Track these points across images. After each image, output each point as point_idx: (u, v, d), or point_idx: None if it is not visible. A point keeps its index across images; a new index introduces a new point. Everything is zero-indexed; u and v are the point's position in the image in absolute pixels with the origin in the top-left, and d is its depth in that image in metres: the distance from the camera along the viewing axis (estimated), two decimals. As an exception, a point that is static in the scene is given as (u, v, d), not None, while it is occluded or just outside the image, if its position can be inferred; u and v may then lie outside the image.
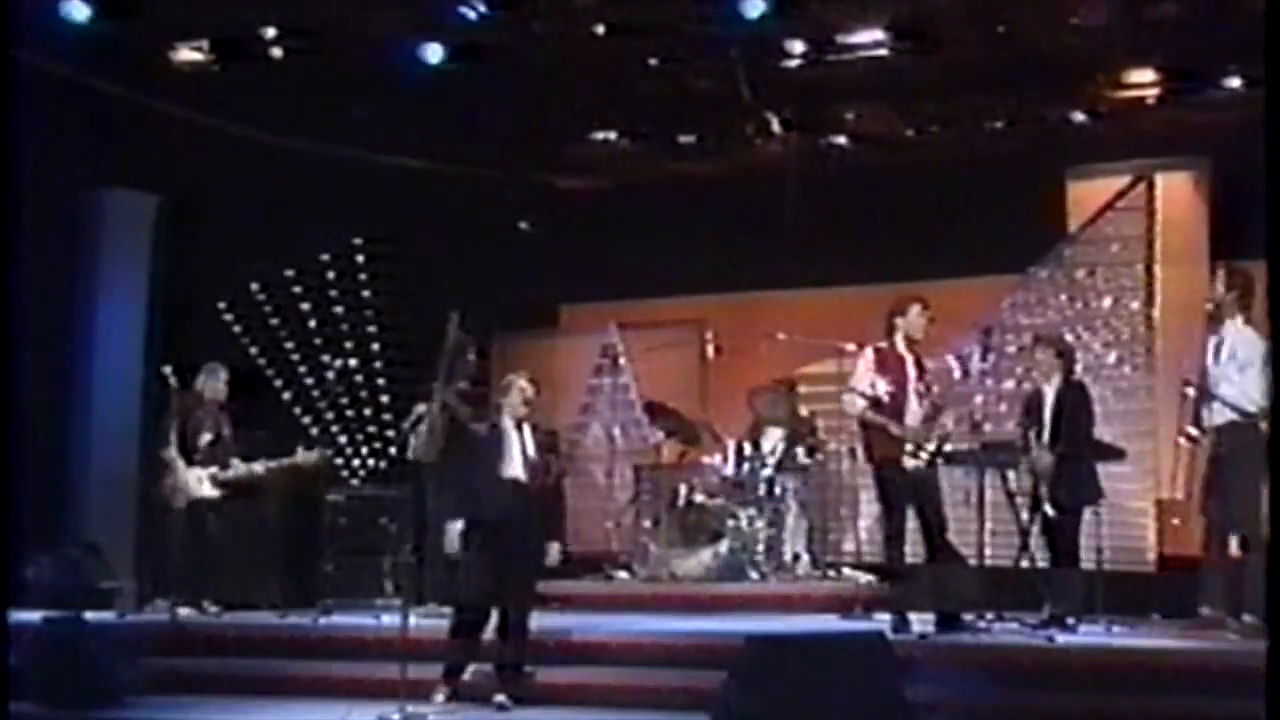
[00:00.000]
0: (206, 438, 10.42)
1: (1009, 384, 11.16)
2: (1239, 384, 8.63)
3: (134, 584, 10.88)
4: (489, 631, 8.59)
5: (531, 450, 8.66)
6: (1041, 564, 9.30)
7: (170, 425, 10.57)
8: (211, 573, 10.33)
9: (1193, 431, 8.74)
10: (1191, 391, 8.80)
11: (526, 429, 8.70)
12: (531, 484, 8.60)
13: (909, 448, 8.90)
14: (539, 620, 9.66)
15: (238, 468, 10.31)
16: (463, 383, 10.06)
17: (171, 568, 10.36)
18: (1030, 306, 12.14)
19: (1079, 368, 10.03)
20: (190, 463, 10.34)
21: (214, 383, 10.56)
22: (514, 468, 8.62)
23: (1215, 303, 8.90)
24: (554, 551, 8.67)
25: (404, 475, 10.04)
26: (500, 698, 8.41)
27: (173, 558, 10.37)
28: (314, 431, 12.47)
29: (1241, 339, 8.73)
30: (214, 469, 10.31)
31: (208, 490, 10.32)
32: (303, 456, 10.34)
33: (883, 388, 9.12)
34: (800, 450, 11.54)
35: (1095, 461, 9.35)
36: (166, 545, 10.49)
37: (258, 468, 10.33)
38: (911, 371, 9.23)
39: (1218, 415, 8.69)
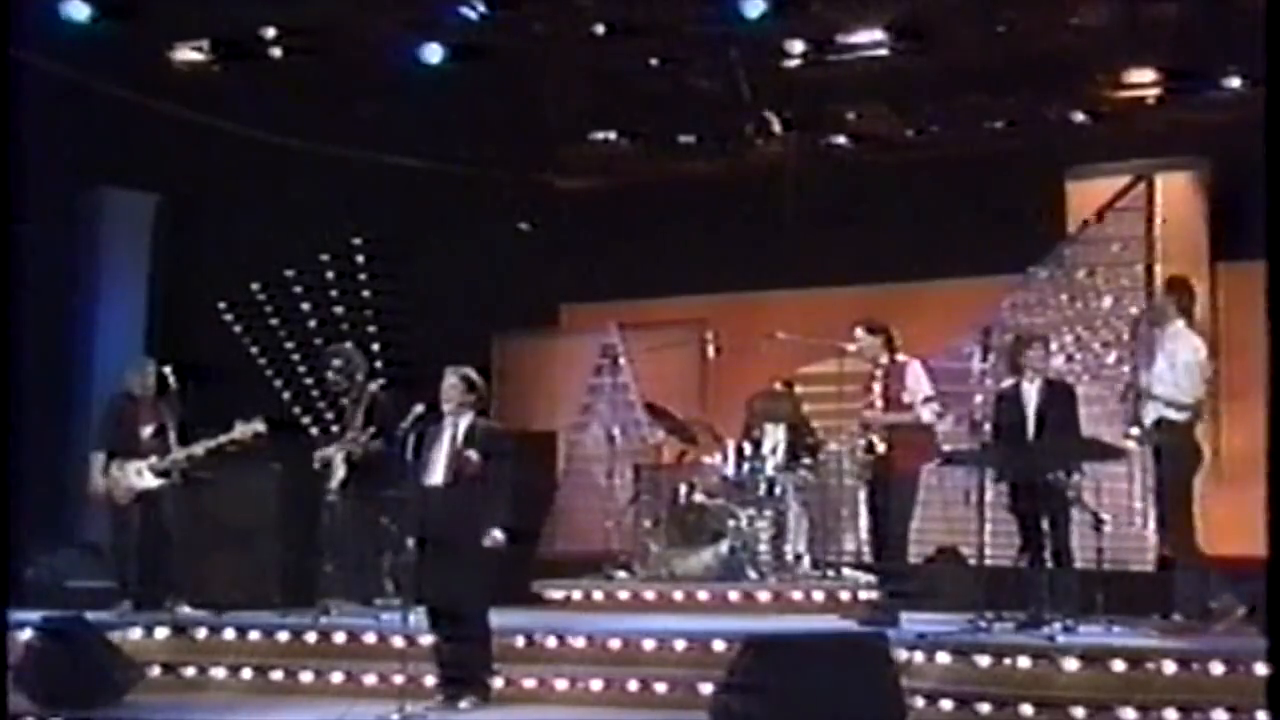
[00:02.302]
0: (148, 430, 10.35)
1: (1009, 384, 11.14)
2: (1173, 382, 8.73)
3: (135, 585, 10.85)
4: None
5: (459, 444, 8.57)
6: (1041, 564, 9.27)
7: (102, 425, 10.56)
8: (169, 569, 10.24)
9: (1133, 431, 8.76)
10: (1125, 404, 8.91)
11: (461, 423, 8.65)
12: (448, 482, 8.51)
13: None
14: (540, 620, 9.70)
15: (177, 453, 10.24)
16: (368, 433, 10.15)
17: (130, 567, 10.33)
18: (1030, 306, 12.12)
19: (1077, 367, 10.09)
20: (132, 457, 10.30)
21: (140, 378, 10.48)
22: (436, 468, 8.57)
23: (1155, 307, 9.08)
24: (495, 536, 8.44)
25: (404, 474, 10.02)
26: (464, 704, 8.39)
27: (129, 556, 10.34)
28: (315, 432, 12.44)
29: (1182, 339, 8.87)
30: (153, 459, 10.26)
31: (149, 481, 10.26)
32: (240, 430, 10.24)
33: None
34: (800, 450, 11.54)
35: (1095, 461, 9.36)
36: (121, 543, 10.45)
37: (197, 449, 10.25)
38: (877, 387, 9.58)
39: (1151, 414, 8.77)
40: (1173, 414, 8.76)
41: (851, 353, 10.04)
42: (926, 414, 9.54)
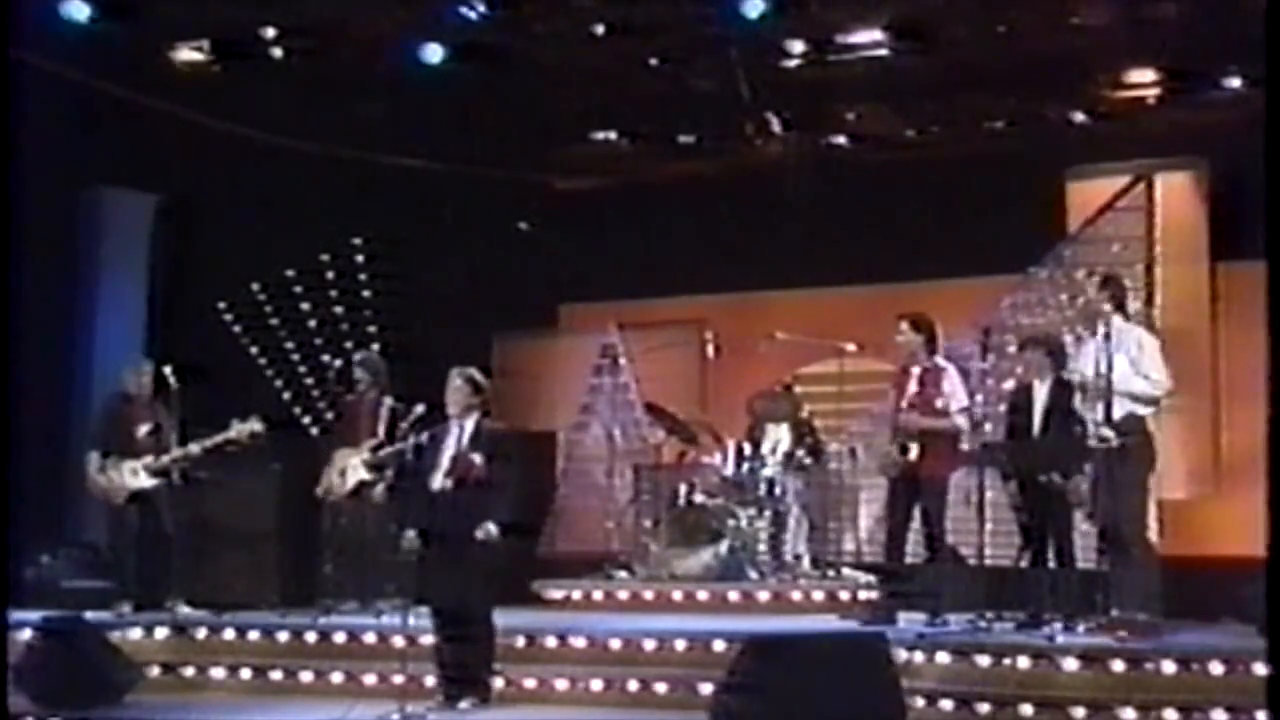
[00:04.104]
0: (143, 430, 10.38)
1: (1009, 384, 11.16)
2: (1133, 375, 8.73)
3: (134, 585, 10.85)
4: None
5: (464, 446, 8.59)
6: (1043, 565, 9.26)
7: (98, 425, 10.62)
8: (168, 569, 10.25)
9: (1106, 432, 8.73)
10: (1080, 395, 8.89)
11: (467, 426, 8.66)
12: (454, 484, 8.52)
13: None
14: (540, 620, 9.70)
15: (174, 453, 10.26)
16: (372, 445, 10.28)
17: (128, 567, 10.35)
18: (1030, 306, 12.11)
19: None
20: (126, 457, 10.33)
21: (135, 377, 10.52)
22: (441, 470, 8.57)
23: (1093, 306, 9.07)
24: (488, 529, 8.45)
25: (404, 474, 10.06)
26: (464, 704, 8.40)
27: (127, 556, 10.36)
28: (316, 432, 12.46)
29: (1125, 333, 8.89)
30: (148, 459, 10.29)
31: (144, 481, 10.28)
32: (237, 429, 10.28)
33: (892, 405, 9.76)
34: (800, 450, 11.54)
35: (1096, 462, 9.35)
36: (119, 543, 10.48)
37: (193, 449, 10.28)
38: (911, 387, 9.47)
39: (1116, 411, 8.74)
40: (1139, 409, 8.78)
41: (853, 350, 10.05)
42: (961, 422, 9.52)
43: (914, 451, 9.43)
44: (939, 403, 9.49)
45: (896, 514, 9.68)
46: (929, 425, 9.46)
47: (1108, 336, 8.79)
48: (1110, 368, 8.69)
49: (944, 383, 9.54)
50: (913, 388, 9.58)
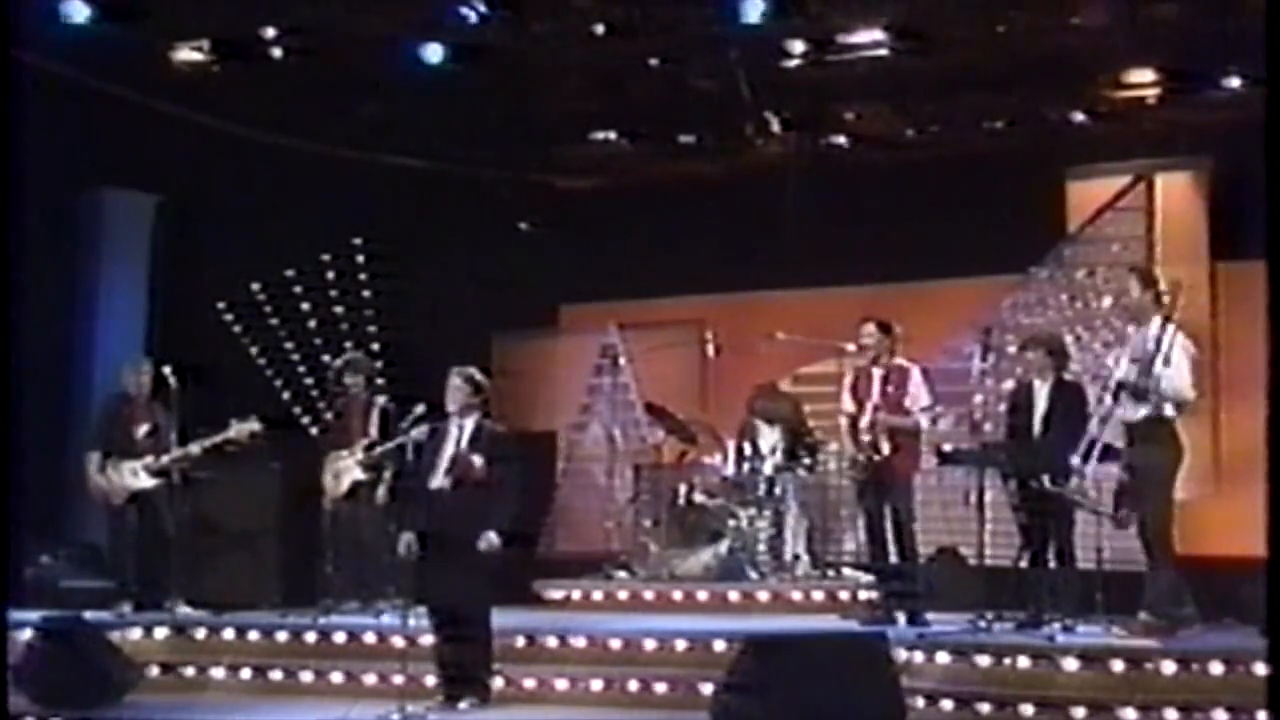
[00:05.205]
0: (143, 430, 10.40)
1: (1009, 384, 11.17)
2: (1165, 379, 8.68)
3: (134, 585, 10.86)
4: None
5: (463, 446, 8.59)
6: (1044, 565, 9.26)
7: (98, 425, 10.64)
8: (168, 569, 10.25)
9: (1137, 417, 8.71)
10: (1107, 398, 8.86)
11: (467, 425, 8.65)
12: (452, 484, 8.51)
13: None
14: (540, 620, 9.70)
15: (173, 453, 10.27)
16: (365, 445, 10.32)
17: (128, 567, 10.35)
18: (1030, 306, 12.14)
19: (1076, 367, 10.08)
20: (126, 457, 10.34)
21: (135, 377, 10.54)
22: (440, 470, 8.56)
23: (1134, 304, 9.02)
24: (490, 539, 8.43)
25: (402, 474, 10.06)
26: (464, 704, 8.40)
27: (127, 556, 10.37)
28: (315, 432, 12.45)
29: (1164, 339, 8.80)
30: (148, 459, 10.30)
31: (144, 481, 10.29)
32: (236, 429, 10.29)
33: (850, 406, 9.85)
34: (800, 450, 11.55)
35: (1096, 462, 9.35)
36: (119, 544, 10.49)
37: (193, 449, 10.29)
38: (875, 388, 9.50)
39: (1140, 411, 8.71)
40: (1165, 410, 8.76)
41: (853, 350, 10.10)
42: (924, 421, 9.61)
43: (885, 448, 9.50)
44: (906, 402, 9.63)
45: (870, 514, 9.80)
46: (896, 424, 9.58)
47: (1143, 338, 8.73)
48: (1123, 369, 8.67)
49: (908, 383, 9.68)
50: (877, 388, 9.67)
